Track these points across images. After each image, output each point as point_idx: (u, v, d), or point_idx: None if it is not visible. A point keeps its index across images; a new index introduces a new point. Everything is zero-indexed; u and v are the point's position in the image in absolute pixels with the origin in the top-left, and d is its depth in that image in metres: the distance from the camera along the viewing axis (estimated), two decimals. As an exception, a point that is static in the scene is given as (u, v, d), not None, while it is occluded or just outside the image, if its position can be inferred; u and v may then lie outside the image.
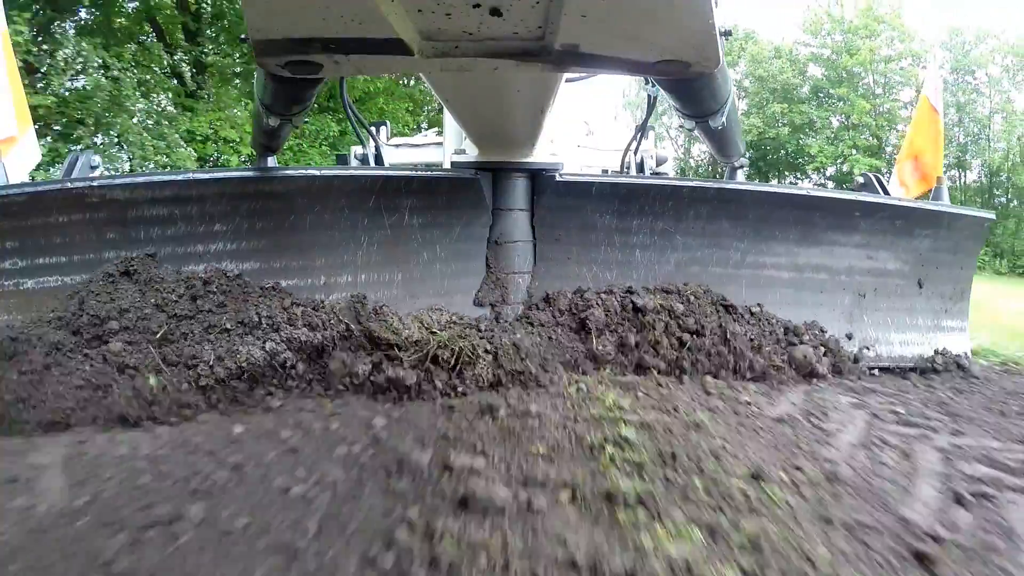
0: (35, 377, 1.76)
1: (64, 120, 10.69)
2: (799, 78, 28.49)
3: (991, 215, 2.82)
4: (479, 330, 2.13)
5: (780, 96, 28.06)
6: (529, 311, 2.37)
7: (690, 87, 1.84)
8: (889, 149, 26.38)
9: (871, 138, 26.80)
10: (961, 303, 2.73)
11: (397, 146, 5.18)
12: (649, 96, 3.02)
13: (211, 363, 1.88)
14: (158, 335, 1.93)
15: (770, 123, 27.66)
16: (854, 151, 25.75)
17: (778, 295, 2.54)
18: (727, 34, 1.77)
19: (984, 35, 27.03)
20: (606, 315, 2.29)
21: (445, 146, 3.13)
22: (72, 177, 2.41)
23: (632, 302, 2.32)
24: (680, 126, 2.28)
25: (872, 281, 2.62)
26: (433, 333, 2.03)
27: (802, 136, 27.58)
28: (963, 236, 2.71)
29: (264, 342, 1.96)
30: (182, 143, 12.09)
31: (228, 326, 1.98)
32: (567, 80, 2.89)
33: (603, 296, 2.35)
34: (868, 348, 2.58)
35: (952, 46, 27.12)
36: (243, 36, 1.81)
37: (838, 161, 26.68)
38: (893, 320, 2.63)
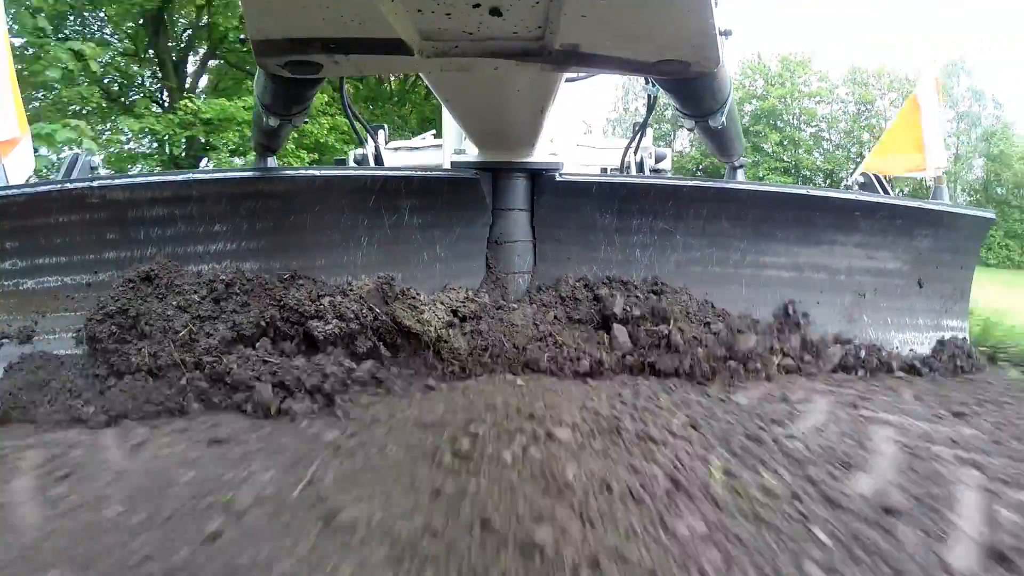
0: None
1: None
2: (728, 119, 35.41)
3: (991, 215, 2.82)
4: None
5: (716, 133, 34.20)
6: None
7: (690, 87, 1.83)
8: (807, 169, 33.22)
9: (780, 161, 33.10)
10: (961, 303, 2.73)
11: (395, 149, 5.15)
12: (649, 96, 3.01)
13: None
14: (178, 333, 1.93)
15: (706, 154, 32.92)
16: (765, 173, 31.45)
17: (778, 294, 2.54)
18: (727, 34, 1.77)
19: (881, 72, 33.63)
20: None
21: (444, 147, 3.12)
22: (72, 178, 2.41)
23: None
24: (680, 126, 2.28)
25: (872, 281, 2.62)
26: (455, 312, 2.17)
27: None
28: (963, 236, 2.71)
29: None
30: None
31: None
32: (567, 80, 2.88)
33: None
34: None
35: (854, 81, 34.03)
36: (243, 36, 1.80)
37: (757, 180, 31.86)
38: (893, 320, 2.63)
